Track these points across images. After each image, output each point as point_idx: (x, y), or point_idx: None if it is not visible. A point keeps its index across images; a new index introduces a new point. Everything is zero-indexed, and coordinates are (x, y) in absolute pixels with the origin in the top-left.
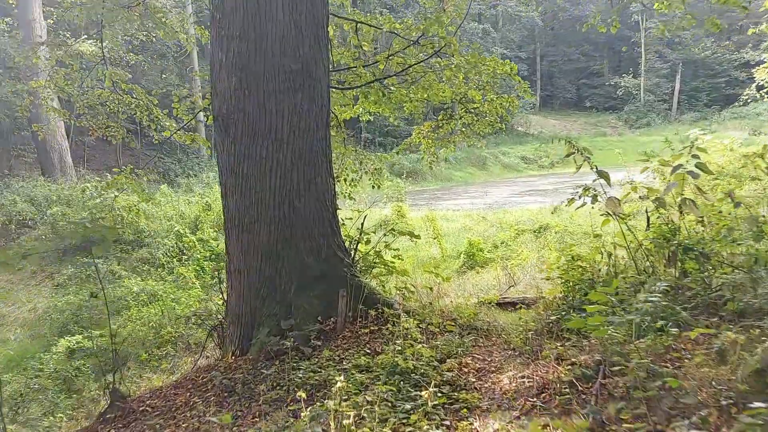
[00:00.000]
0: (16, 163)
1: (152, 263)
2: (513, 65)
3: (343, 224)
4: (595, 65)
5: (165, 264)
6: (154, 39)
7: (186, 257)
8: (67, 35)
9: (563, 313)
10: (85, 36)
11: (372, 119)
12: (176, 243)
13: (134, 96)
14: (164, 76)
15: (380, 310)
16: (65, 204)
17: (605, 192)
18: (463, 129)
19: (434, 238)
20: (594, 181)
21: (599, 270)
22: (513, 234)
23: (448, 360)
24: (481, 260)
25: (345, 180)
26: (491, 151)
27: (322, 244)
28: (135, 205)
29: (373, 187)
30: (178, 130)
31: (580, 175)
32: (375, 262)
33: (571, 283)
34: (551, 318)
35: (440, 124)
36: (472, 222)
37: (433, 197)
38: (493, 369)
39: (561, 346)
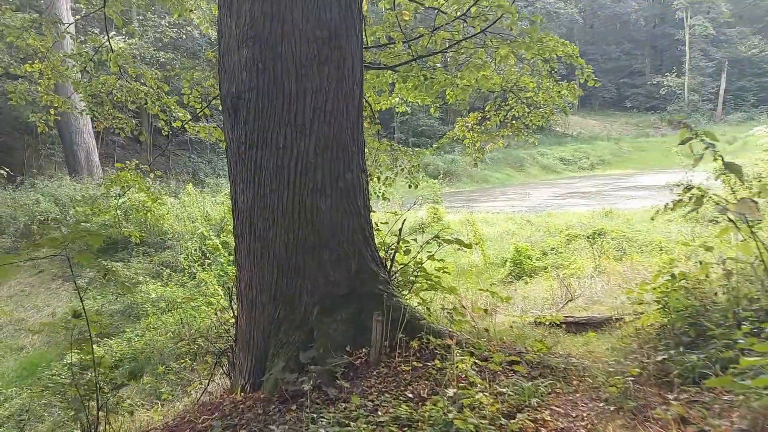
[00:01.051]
0: (46, 163)
1: (174, 267)
2: (574, 47)
3: (377, 229)
4: (636, 64)
5: (186, 268)
6: (184, 36)
7: (209, 261)
8: (95, 32)
9: (671, 351)
10: (114, 32)
11: (407, 118)
12: (200, 246)
13: (144, 83)
14: (196, 74)
15: (425, 340)
16: (89, 204)
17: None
18: (513, 122)
19: (476, 244)
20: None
21: (714, 293)
22: (564, 240)
23: (518, 415)
24: (530, 269)
25: (378, 178)
26: (529, 152)
27: (352, 254)
28: (143, 204)
29: (410, 186)
30: (189, 120)
31: (627, 175)
32: (415, 276)
33: (673, 309)
34: (653, 356)
35: (487, 116)
36: (514, 226)
37: (469, 199)
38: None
39: (677, 401)
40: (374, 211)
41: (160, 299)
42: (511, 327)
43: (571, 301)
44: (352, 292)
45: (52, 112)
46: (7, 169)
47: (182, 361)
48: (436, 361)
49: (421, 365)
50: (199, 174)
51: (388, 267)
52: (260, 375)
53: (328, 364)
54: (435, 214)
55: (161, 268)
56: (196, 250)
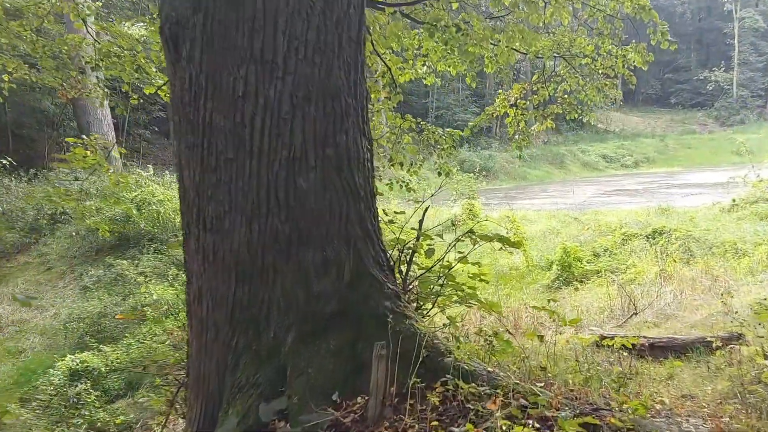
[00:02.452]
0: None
1: (180, 265)
2: None
3: (391, 221)
4: (681, 59)
5: None
6: None
7: None
8: None
9: None
10: None
11: (441, 112)
12: None
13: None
14: None
15: (451, 386)
16: (102, 198)
17: None
18: (565, 96)
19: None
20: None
21: None
22: (618, 239)
23: None
24: (580, 273)
25: (401, 165)
26: (569, 149)
27: (345, 255)
28: (153, 196)
29: (439, 174)
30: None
31: (674, 173)
32: (440, 285)
33: None
34: None
35: (535, 88)
36: (558, 224)
37: (507, 196)
38: None
39: None
40: (380, 194)
41: (158, 301)
42: (569, 349)
43: (635, 314)
44: (344, 310)
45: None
46: (9, 159)
47: (181, 373)
48: (469, 426)
49: (446, 426)
50: None
51: (404, 273)
52: (212, 426)
53: (303, 424)
54: (470, 210)
55: (169, 267)
56: None
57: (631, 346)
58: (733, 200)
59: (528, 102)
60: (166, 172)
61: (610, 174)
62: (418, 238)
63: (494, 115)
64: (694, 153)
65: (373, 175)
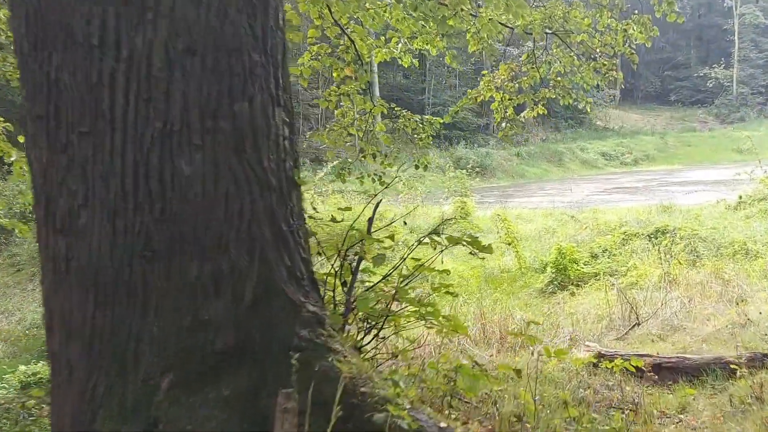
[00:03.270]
0: None
1: None
2: None
3: (336, 221)
4: (681, 56)
5: None
6: None
7: None
8: None
9: None
10: None
11: (438, 108)
12: None
13: None
14: None
15: None
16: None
17: None
18: (558, 79)
19: (508, 244)
20: None
21: None
22: (618, 239)
23: None
24: (576, 276)
25: (373, 156)
26: (568, 146)
27: (246, 267)
28: None
29: (417, 167)
30: None
31: (674, 171)
32: (386, 304)
33: None
34: None
35: (525, 69)
36: (555, 223)
37: (504, 194)
38: None
39: None
40: (303, 183)
41: None
42: (561, 370)
43: (638, 325)
44: (243, 344)
45: None
46: None
47: None
48: None
49: None
50: None
51: (348, 288)
52: None
53: None
54: (462, 208)
55: None
56: None
57: (634, 369)
58: (740, 197)
59: (517, 85)
60: None
61: (609, 172)
62: (362, 242)
63: (478, 99)
64: (694, 150)
65: (296, 158)
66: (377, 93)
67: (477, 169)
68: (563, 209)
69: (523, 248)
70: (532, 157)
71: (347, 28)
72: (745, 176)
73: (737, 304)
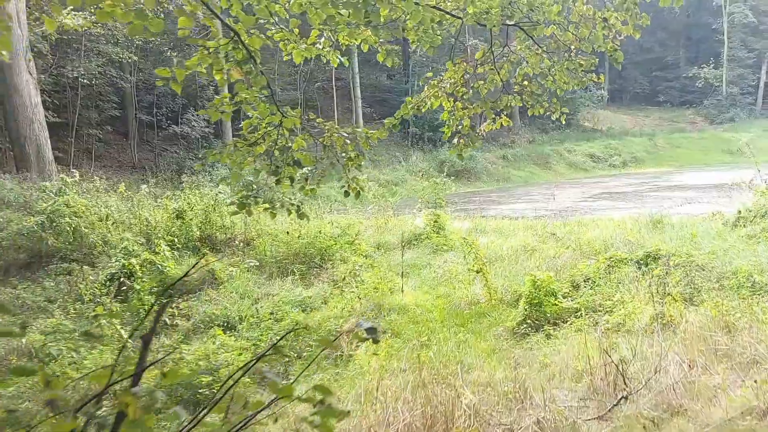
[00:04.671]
0: (4, 159)
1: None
2: None
3: None
4: (670, 56)
5: (93, 298)
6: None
7: (126, 288)
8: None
9: None
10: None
11: (421, 113)
12: (123, 265)
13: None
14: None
15: None
16: (20, 208)
17: None
18: (525, 82)
19: (477, 272)
20: None
21: None
22: (603, 265)
23: None
24: (553, 313)
25: (291, 179)
26: (554, 148)
27: None
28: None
29: (346, 194)
30: None
31: (664, 174)
32: None
33: None
34: None
35: (480, 64)
36: (535, 239)
37: (486, 200)
38: None
39: None
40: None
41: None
42: None
43: (625, 399)
44: None
45: None
46: None
47: None
48: None
49: None
50: (187, 171)
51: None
52: None
53: None
54: (435, 222)
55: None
56: (118, 271)
57: None
58: (739, 212)
59: (471, 91)
60: (127, 177)
61: (597, 175)
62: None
63: (423, 108)
64: (683, 152)
65: None
66: (359, 94)
67: (461, 172)
68: (546, 220)
69: (495, 273)
70: (518, 160)
71: (226, 16)
72: (743, 185)
73: (755, 378)
